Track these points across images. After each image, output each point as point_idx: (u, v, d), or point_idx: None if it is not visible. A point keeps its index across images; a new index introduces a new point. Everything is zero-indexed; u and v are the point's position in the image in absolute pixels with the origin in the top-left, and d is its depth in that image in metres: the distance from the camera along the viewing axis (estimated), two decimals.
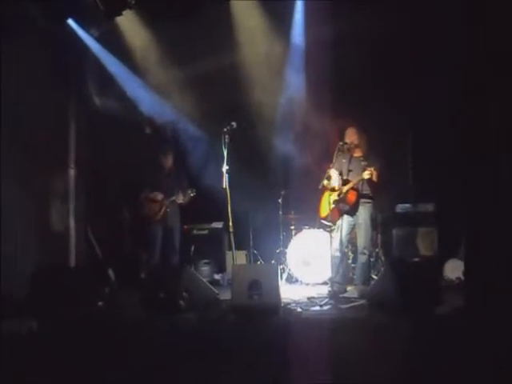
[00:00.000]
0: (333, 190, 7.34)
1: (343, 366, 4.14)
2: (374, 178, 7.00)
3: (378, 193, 7.36)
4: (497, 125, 5.43)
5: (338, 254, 7.34)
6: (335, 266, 7.35)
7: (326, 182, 7.26)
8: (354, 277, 7.62)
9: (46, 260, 7.44)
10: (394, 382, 3.85)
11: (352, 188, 7.20)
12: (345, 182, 7.29)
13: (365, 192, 7.26)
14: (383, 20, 7.73)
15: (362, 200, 7.27)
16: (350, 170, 7.33)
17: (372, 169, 6.88)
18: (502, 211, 5.14)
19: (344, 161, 7.36)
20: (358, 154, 7.35)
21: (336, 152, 7.17)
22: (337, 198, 7.28)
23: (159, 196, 8.14)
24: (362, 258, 7.30)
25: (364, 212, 7.29)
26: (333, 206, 7.26)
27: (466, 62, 5.68)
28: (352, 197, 7.22)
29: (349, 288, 7.58)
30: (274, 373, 4.07)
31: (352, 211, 7.30)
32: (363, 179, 7.03)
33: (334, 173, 7.33)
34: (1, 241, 6.73)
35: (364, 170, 6.99)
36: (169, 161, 8.38)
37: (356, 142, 7.30)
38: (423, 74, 8.06)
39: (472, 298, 5.39)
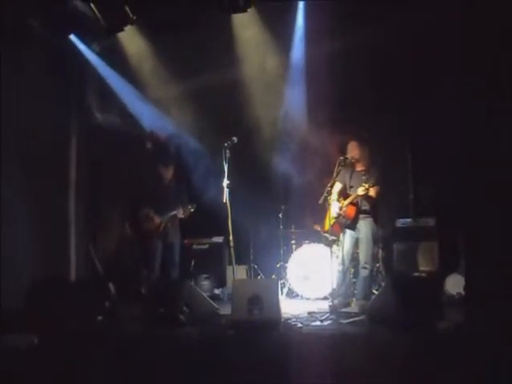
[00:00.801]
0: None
1: (343, 382, 4.13)
2: (373, 194, 7.02)
3: (376, 208, 7.36)
4: (498, 142, 5.46)
5: (340, 268, 7.35)
6: (339, 281, 7.36)
7: (326, 196, 7.24)
8: (355, 291, 7.60)
9: (47, 274, 7.43)
10: None
11: (351, 203, 7.23)
12: (345, 197, 7.32)
13: (363, 208, 7.28)
14: (383, 36, 7.77)
15: (362, 215, 7.29)
16: (351, 186, 7.37)
17: (368, 185, 6.89)
18: (502, 226, 5.15)
19: (346, 175, 7.40)
20: (359, 168, 7.39)
21: (336, 167, 7.18)
22: (337, 213, 7.30)
23: (157, 218, 8.12)
24: (364, 273, 7.30)
25: (365, 226, 7.30)
26: (333, 220, 7.30)
27: (467, 80, 5.71)
28: (351, 212, 7.24)
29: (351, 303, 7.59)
30: None
31: (352, 225, 7.32)
32: (358, 196, 7.06)
33: (336, 187, 7.34)
34: (0, 254, 6.74)
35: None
36: (169, 172, 8.37)
37: (357, 156, 7.32)
38: (424, 90, 8.09)
39: (472, 313, 5.37)
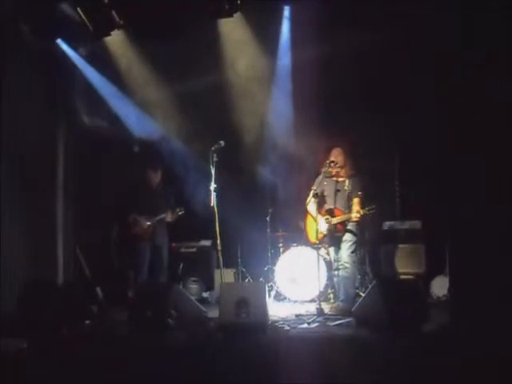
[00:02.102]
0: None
1: None
2: (362, 214, 7.07)
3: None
4: (483, 145, 5.53)
5: (339, 273, 7.39)
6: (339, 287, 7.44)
7: (313, 199, 7.28)
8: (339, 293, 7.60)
9: (34, 277, 7.41)
10: None
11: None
12: (331, 212, 7.36)
13: (351, 224, 7.35)
14: (370, 39, 7.81)
15: (349, 227, 7.35)
16: (337, 191, 7.40)
17: (364, 212, 6.97)
18: (486, 228, 5.22)
19: (331, 180, 7.44)
20: (341, 177, 7.44)
21: (323, 169, 7.25)
22: (326, 230, 7.37)
23: (145, 223, 8.14)
24: (344, 273, 7.30)
25: (350, 227, 7.36)
26: (323, 234, 7.39)
27: (454, 81, 5.78)
28: (341, 226, 7.30)
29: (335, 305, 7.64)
30: None
31: (343, 235, 7.38)
32: (351, 218, 7.12)
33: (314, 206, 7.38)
34: None
35: (349, 196, 7.21)
36: (157, 177, 8.40)
37: (341, 163, 7.37)
38: (411, 94, 8.14)
39: (457, 314, 5.43)
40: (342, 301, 7.35)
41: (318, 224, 7.17)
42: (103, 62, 8.64)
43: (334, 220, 7.29)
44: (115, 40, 8.32)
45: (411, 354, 4.87)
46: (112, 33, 7.94)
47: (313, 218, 7.36)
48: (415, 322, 5.70)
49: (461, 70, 5.84)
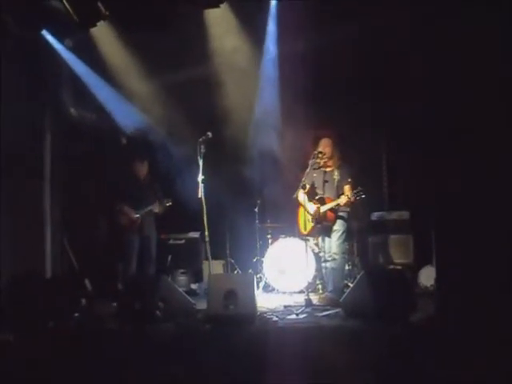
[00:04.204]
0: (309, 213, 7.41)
1: (319, 375, 4.17)
2: (351, 198, 7.06)
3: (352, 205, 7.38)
4: (473, 132, 5.55)
5: (327, 265, 7.40)
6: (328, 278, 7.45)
7: (301, 191, 7.29)
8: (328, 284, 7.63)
9: (21, 270, 7.37)
10: None
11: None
12: (321, 201, 7.36)
13: (341, 211, 7.34)
14: (358, 31, 7.80)
15: (340, 214, 7.35)
16: (325, 181, 7.41)
17: (353, 197, 6.97)
18: (472, 217, 5.24)
19: (319, 171, 7.44)
20: (330, 167, 7.44)
21: (311, 160, 7.25)
22: (316, 218, 7.35)
23: (133, 214, 8.12)
24: (332, 264, 7.32)
25: (339, 219, 7.36)
26: (312, 224, 7.38)
27: (443, 74, 5.79)
28: (331, 215, 7.30)
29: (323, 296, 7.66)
30: (249, 381, 4.09)
31: (333, 224, 7.38)
32: (339, 205, 7.13)
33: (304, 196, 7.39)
34: None
35: (338, 186, 7.23)
36: (144, 168, 8.39)
37: (329, 154, 7.37)
38: (398, 84, 8.13)
39: (443, 304, 5.46)
40: (330, 291, 7.38)
41: (307, 211, 7.19)
42: (89, 53, 8.57)
43: (325, 207, 7.29)
44: (101, 31, 8.26)
45: (399, 343, 4.89)
46: (98, 24, 7.86)
47: (303, 206, 7.37)
48: (403, 312, 5.72)
49: (444, 51, 5.85)
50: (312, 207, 7.34)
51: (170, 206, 8.31)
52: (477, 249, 5.32)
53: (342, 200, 7.05)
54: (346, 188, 7.25)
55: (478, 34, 5.46)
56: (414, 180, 8.22)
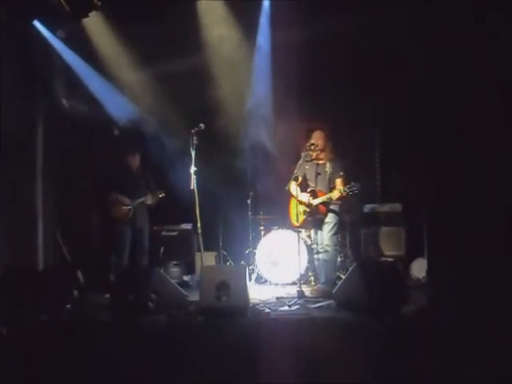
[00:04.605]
0: (301, 203, 7.41)
1: (312, 366, 4.19)
2: (343, 193, 7.05)
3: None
4: (463, 126, 5.55)
5: (319, 257, 7.41)
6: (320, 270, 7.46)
7: (293, 182, 7.29)
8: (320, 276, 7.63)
9: (13, 262, 7.36)
10: (362, 382, 3.90)
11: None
12: (313, 194, 7.36)
13: (333, 205, 7.35)
14: (352, 24, 7.79)
15: (331, 207, 7.35)
16: (318, 174, 7.41)
17: (345, 192, 6.96)
18: (463, 210, 5.26)
19: (312, 164, 7.44)
20: (322, 160, 7.44)
21: (303, 153, 7.24)
22: (308, 210, 7.36)
23: (127, 201, 8.11)
24: (325, 256, 7.32)
25: (331, 211, 7.37)
26: (304, 216, 7.39)
27: (434, 64, 5.79)
28: (322, 208, 7.31)
29: (315, 287, 7.67)
30: (242, 373, 4.10)
31: (325, 217, 7.38)
32: (331, 199, 7.13)
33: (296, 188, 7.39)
34: None
35: (330, 179, 7.23)
36: (136, 160, 8.36)
37: (321, 146, 7.36)
38: (391, 75, 8.13)
39: (434, 296, 5.48)
40: (322, 283, 7.38)
41: (300, 202, 7.20)
42: (81, 44, 8.52)
43: (316, 200, 7.29)
44: (93, 21, 8.22)
45: (391, 335, 4.92)
46: (90, 14, 7.83)
47: (295, 198, 7.38)
48: (395, 304, 5.74)
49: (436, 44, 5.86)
50: (305, 196, 7.34)
51: (162, 197, 8.29)
52: (468, 241, 5.34)
53: (335, 194, 7.05)
54: (338, 181, 7.27)
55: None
56: (406, 172, 8.22)
